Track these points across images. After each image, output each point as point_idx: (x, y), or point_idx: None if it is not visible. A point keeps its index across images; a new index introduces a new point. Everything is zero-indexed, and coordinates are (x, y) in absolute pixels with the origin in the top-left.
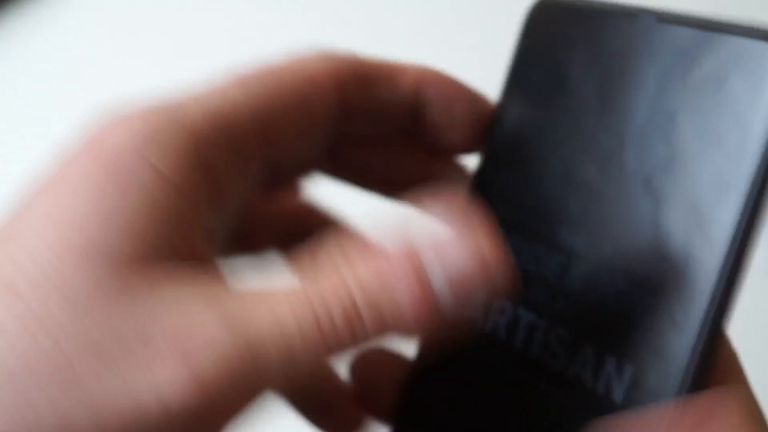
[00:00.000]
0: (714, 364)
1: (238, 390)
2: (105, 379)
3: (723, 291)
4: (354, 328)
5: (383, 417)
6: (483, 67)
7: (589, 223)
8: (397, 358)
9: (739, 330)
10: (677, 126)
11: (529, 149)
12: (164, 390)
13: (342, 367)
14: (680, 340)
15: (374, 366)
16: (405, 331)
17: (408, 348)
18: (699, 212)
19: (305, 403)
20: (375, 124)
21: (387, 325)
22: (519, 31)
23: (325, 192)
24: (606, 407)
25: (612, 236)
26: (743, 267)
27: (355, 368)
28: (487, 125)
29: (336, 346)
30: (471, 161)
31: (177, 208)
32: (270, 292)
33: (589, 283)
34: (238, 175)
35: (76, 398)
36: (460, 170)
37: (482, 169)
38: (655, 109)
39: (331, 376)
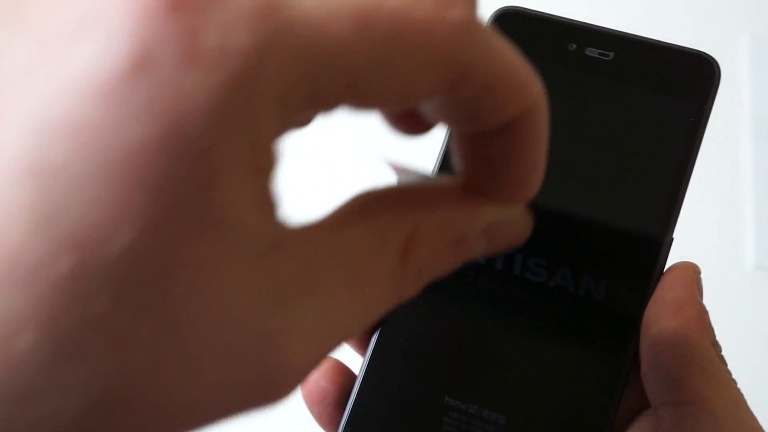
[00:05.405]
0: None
1: None
2: None
3: (671, 213)
4: None
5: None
6: None
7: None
8: (345, 369)
9: (735, 322)
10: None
11: None
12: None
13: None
14: (645, 252)
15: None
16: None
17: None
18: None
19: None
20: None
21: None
22: None
23: None
24: (589, 304)
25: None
26: (686, 184)
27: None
28: None
29: None
30: None
31: None
32: None
33: (563, 221)
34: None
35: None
36: None
37: None
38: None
39: None
